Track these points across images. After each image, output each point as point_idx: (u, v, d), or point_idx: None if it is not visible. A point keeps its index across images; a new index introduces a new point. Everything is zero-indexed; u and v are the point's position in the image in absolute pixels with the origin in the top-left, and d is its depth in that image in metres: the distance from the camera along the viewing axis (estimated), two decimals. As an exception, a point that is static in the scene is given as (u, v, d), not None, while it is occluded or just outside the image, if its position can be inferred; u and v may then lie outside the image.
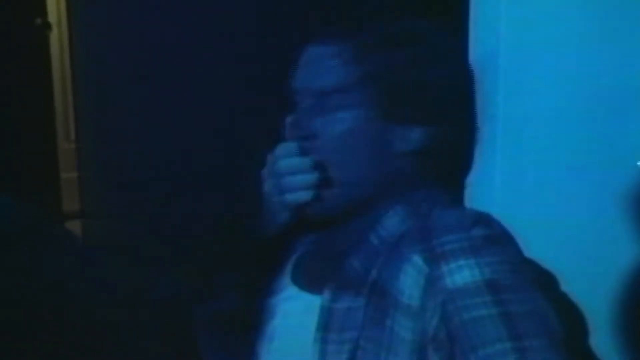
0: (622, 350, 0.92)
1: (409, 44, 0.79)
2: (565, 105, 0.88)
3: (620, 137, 0.89)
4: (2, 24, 2.87)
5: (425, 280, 0.71)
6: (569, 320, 0.72)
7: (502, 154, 0.89)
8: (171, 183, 1.80)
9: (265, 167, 0.85)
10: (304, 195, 0.80)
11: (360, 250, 0.81)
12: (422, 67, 0.79)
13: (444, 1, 0.92)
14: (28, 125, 3.04)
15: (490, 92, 0.87)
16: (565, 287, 0.90)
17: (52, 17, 3.42)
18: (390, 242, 0.79)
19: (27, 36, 3.16)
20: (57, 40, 3.52)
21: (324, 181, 0.79)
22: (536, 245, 0.82)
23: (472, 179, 0.89)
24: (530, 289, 0.70)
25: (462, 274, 0.69)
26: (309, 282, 0.86)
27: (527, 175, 0.89)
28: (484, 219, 0.75)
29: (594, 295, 0.90)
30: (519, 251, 0.74)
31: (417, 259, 0.73)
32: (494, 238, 0.72)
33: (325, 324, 0.78)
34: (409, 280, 0.73)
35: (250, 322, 0.89)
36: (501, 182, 0.89)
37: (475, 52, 0.90)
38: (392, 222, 0.81)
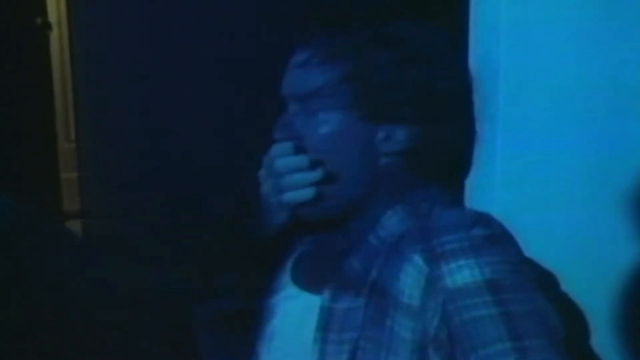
0: (622, 350, 0.92)
1: (390, 46, 0.79)
2: (565, 105, 0.88)
3: (620, 137, 0.89)
4: (2, 23, 2.87)
5: (426, 280, 0.71)
6: (569, 320, 0.72)
7: (503, 154, 0.89)
8: (171, 183, 1.81)
9: (262, 168, 0.85)
10: (304, 194, 0.80)
11: (360, 251, 0.81)
12: (404, 68, 0.79)
13: (444, 2, 0.92)
14: (28, 125, 3.04)
15: (490, 92, 0.86)
16: (565, 286, 0.90)
17: (52, 17, 3.42)
18: (389, 242, 0.79)
19: (27, 36, 3.16)
20: (57, 40, 3.52)
21: (323, 178, 0.79)
22: (536, 245, 0.82)
23: (472, 179, 0.89)
24: (530, 288, 0.70)
25: (462, 274, 0.69)
26: (308, 282, 0.86)
27: (527, 176, 0.89)
28: (484, 219, 0.75)
29: (594, 295, 0.90)
30: (519, 251, 0.74)
31: (418, 259, 0.73)
32: (494, 238, 0.72)
33: (325, 324, 0.78)
34: (410, 280, 0.73)
35: (250, 322, 0.89)
36: (501, 182, 0.89)
37: (475, 52, 0.90)
38: (392, 222, 0.81)
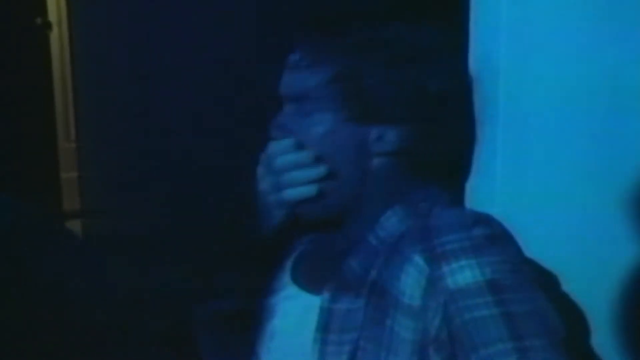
0: (622, 350, 0.92)
1: (379, 47, 0.80)
2: (565, 105, 0.88)
3: (620, 137, 0.89)
4: (2, 23, 2.87)
5: (427, 281, 0.71)
6: (570, 319, 0.72)
7: (503, 154, 0.89)
8: (171, 183, 1.81)
9: (260, 165, 0.85)
10: (305, 191, 0.80)
11: (360, 251, 0.81)
12: (394, 69, 0.79)
13: (444, 2, 0.92)
14: (28, 125, 3.04)
15: (490, 92, 0.86)
16: (565, 286, 0.89)
17: (52, 17, 3.42)
18: (389, 243, 0.79)
19: (28, 36, 3.16)
20: (58, 39, 3.52)
21: (324, 176, 0.80)
22: (536, 245, 0.82)
23: (472, 179, 0.89)
24: (531, 288, 0.70)
25: (463, 274, 0.69)
26: (308, 282, 0.86)
27: (527, 176, 0.89)
28: (484, 219, 0.75)
29: (594, 294, 0.90)
30: (519, 251, 0.74)
31: (418, 259, 0.73)
32: (494, 237, 0.72)
33: (325, 325, 0.78)
34: (410, 281, 0.73)
35: (250, 322, 0.89)
36: (501, 182, 0.89)
37: (475, 52, 0.90)
38: (391, 222, 0.81)
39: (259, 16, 1.64)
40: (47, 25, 3.33)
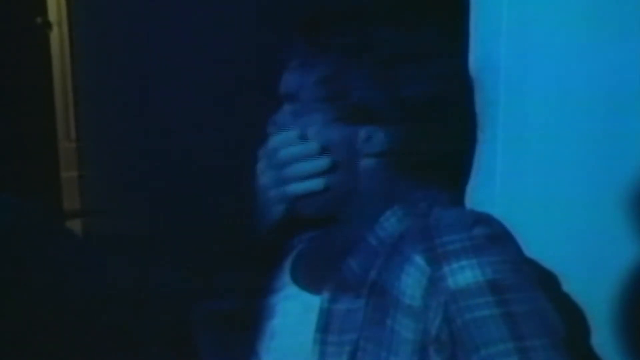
0: (622, 350, 0.92)
1: (367, 48, 0.80)
2: (566, 106, 0.88)
3: (620, 138, 0.89)
4: (2, 23, 2.86)
5: (427, 281, 0.71)
6: (570, 319, 0.72)
7: (503, 154, 0.89)
8: (171, 182, 1.81)
9: (261, 160, 0.85)
10: (311, 184, 0.80)
11: (359, 251, 0.81)
12: (382, 71, 0.79)
13: (444, 2, 0.92)
14: (28, 125, 3.03)
15: (490, 92, 0.86)
16: (565, 286, 0.90)
17: (52, 17, 3.41)
18: (389, 243, 0.79)
19: (28, 35, 3.15)
20: (58, 39, 3.52)
21: (327, 168, 0.80)
22: (536, 245, 0.82)
23: (472, 180, 0.89)
24: (531, 288, 0.70)
25: (464, 274, 0.69)
26: (308, 282, 0.86)
27: (527, 176, 0.89)
28: (484, 219, 0.75)
29: (594, 294, 0.90)
30: (519, 251, 0.74)
31: (419, 259, 0.73)
32: (495, 237, 0.72)
33: (325, 326, 0.78)
34: (411, 281, 0.73)
35: (250, 322, 0.89)
36: (501, 182, 0.89)
37: (476, 53, 0.90)
38: (390, 222, 0.81)
39: (258, 16, 1.64)
40: (47, 25, 3.33)
